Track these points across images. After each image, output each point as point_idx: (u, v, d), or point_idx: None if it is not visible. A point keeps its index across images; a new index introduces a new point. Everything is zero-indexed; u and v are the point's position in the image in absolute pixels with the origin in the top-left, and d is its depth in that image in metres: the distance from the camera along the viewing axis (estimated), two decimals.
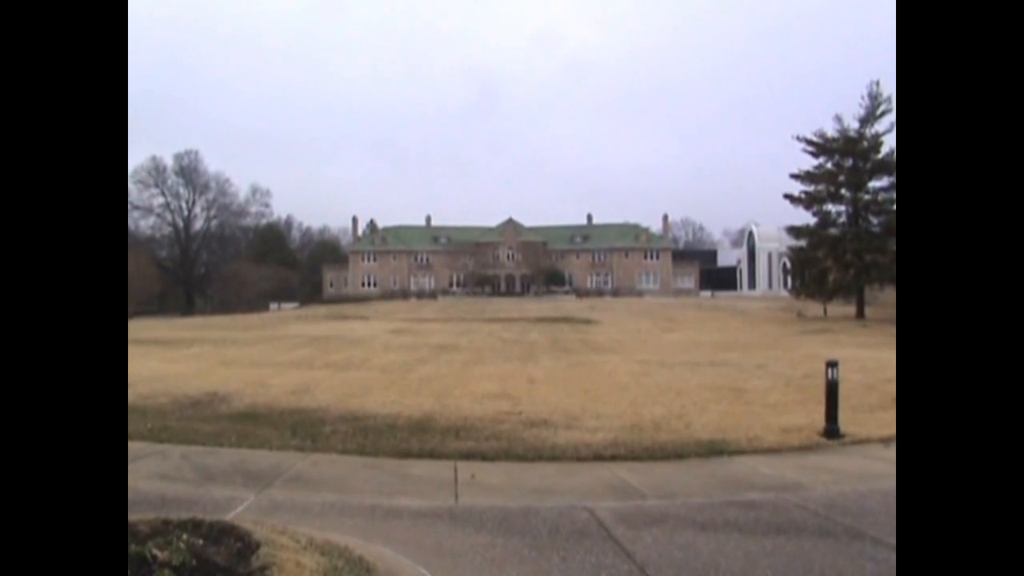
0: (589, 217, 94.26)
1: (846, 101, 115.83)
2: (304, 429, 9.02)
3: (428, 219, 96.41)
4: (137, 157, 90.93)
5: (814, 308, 39.70)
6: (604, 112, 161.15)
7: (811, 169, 37.91)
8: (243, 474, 6.71)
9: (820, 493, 6.42)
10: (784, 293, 57.59)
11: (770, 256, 77.11)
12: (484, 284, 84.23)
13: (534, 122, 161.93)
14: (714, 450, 8.09)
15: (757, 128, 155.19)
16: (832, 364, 9.00)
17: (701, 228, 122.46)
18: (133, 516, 3.97)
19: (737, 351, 20.79)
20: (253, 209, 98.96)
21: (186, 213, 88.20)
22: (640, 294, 79.63)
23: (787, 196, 38.30)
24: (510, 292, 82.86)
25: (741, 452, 8.04)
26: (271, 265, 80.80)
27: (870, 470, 7.19)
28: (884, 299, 37.33)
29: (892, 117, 34.48)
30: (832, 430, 8.82)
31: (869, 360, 16.66)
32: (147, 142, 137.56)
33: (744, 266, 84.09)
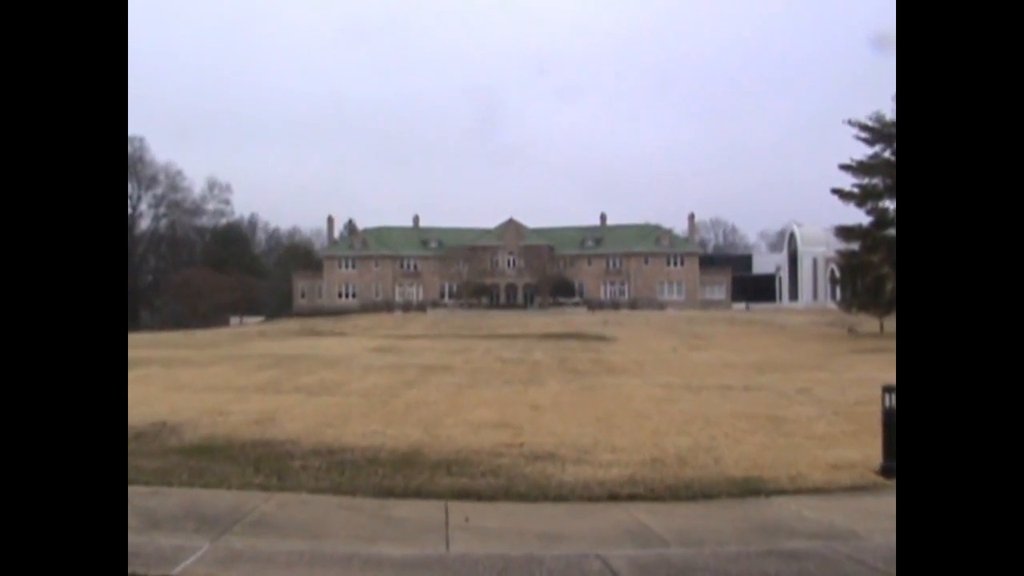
0: (603, 217, 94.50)
1: None
2: (269, 464, 8.97)
3: (416, 219, 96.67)
4: None
5: (868, 323, 39.57)
6: (619, 95, 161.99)
7: (865, 159, 37.69)
8: (195, 518, 6.66)
9: (878, 543, 6.34)
10: (832, 305, 57.55)
11: (815, 262, 77.18)
12: (481, 295, 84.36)
13: (537, 108, 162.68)
14: (749, 489, 8.04)
15: (800, 112, 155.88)
16: (890, 389, 8.93)
17: (733, 229, 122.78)
18: None
19: (776, 373, 20.74)
20: (210, 207, 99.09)
21: (130, 211, 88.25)
22: (662, 306, 79.69)
23: (836, 191, 38.24)
24: (511, 304, 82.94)
25: (781, 492, 7.99)
26: (232, 272, 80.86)
27: None
28: None
29: None
30: (890, 467, 8.76)
31: None
32: None
33: (784, 274, 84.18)
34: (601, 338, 38.14)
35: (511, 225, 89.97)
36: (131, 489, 7.77)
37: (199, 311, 72.18)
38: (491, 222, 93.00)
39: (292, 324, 58.90)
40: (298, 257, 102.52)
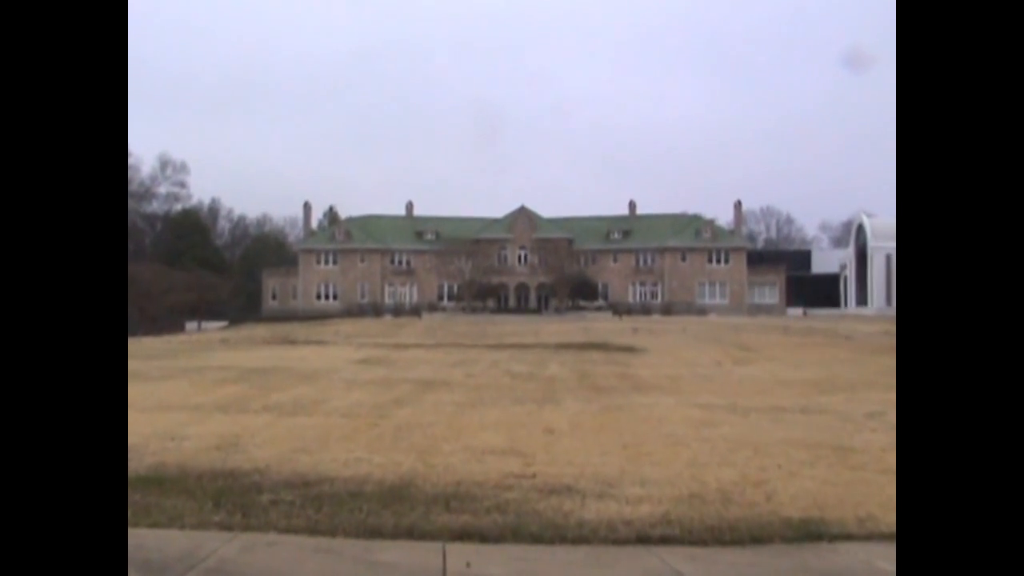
0: (631, 205, 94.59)
1: None
2: (232, 499, 8.98)
3: (409, 207, 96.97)
4: None
5: None
6: (653, 59, 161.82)
7: None
8: (139, 565, 6.65)
9: None
10: None
11: (889, 259, 76.95)
12: (486, 296, 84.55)
13: (553, 76, 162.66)
14: (808, 533, 7.99)
15: (869, 81, 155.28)
16: None
17: (788, 220, 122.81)
18: None
19: (841, 393, 20.67)
20: (162, 190, 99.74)
21: None
22: (702, 311, 79.66)
23: None
24: (522, 308, 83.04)
25: (848, 538, 7.94)
26: (188, 268, 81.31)
27: None
28: None
29: None
30: None
31: None
32: None
33: (851, 273, 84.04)
34: (629, 349, 38.10)
35: (522, 214, 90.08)
36: None
37: (147, 314, 72.36)
38: (498, 211, 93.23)
39: (261, 330, 59.02)
40: (268, 250, 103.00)
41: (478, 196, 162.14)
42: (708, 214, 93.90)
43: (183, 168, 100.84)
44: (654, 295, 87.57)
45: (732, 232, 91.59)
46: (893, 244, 74.06)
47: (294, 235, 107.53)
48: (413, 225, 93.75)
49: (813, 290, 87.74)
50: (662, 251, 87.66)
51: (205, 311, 78.00)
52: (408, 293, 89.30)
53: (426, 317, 75.95)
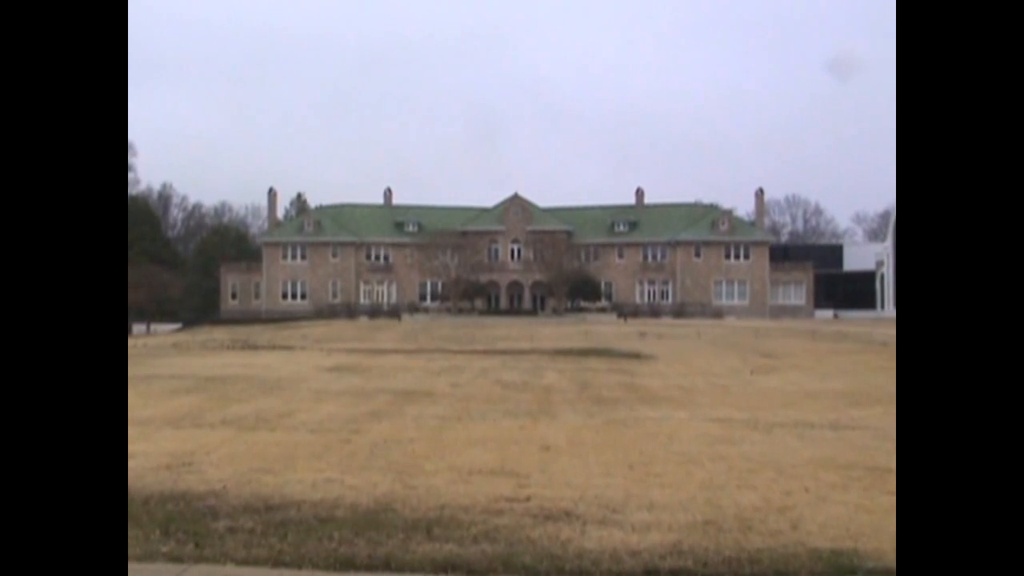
0: (639, 193, 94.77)
1: None
2: (183, 525, 8.98)
3: (388, 195, 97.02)
4: None
5: None
6: (664, 28, 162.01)
7: None
8: None
9: None
10: None
11: None
12: (474, 296, 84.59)
13: (552, 50, 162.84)
14: (840, 567, 7.99)
15: None
16: None
17: (817, 211, 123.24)
18: None
19: (876, 407, 20.69)
20: None
21: None
22: (718, 313, 79.90)
23: None
24: (515, 309, 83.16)
25: (885, 572, 7.93)
26: (136, 263, 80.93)
27: None
28: None
29: None
30: None
31: None
32: None
33: (888, 271, 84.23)
34: (636, 356, 38.17)
35: (516, 203, 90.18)
36: None
37: None
38: (489, 200, 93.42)
39: (219, 333, 59.04)
40: (228, 243, 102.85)
41: (465, 183, 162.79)
42: (725, 204, 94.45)
43: (129, 149, 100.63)
44: (664, 295, 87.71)
45: (753, 224, 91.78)
46: None
47: (257, 226, 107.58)
48: (392, 215, 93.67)
49: (845, 290, 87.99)
50: (673, 245, 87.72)
51: (155, 312, 77.93)
52: (386, 292, 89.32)
53: (406, 319, 76.00)
